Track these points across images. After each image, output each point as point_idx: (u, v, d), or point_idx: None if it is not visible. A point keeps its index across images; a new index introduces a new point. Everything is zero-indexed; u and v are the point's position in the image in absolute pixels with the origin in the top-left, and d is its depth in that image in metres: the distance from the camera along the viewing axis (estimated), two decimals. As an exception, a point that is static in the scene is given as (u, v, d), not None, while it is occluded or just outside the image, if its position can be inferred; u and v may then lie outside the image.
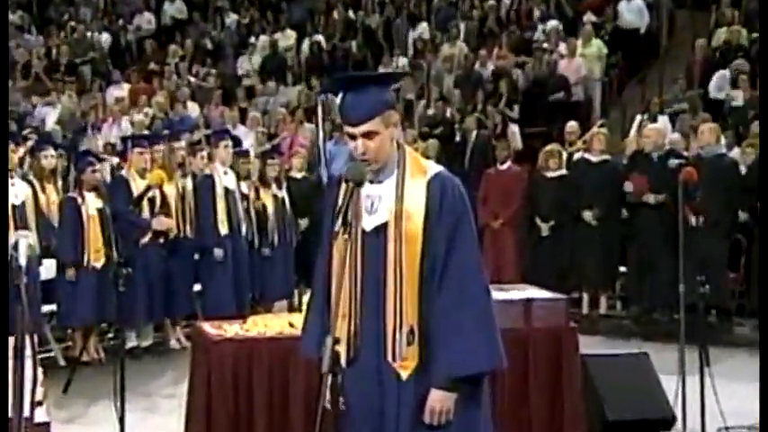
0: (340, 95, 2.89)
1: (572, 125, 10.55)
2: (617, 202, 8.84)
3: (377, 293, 2.83)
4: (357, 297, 2.86)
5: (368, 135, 2.84)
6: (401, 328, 2.81)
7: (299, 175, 9.75)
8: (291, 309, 8.94)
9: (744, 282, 8.64)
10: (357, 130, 2.84)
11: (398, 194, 2.86)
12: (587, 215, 8.87)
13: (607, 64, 13.44)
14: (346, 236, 2.72)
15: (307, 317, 3.04)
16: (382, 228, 2.86)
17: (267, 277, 8.59)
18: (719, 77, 11.78)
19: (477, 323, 2.80)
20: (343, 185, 2.80)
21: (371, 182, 2.89)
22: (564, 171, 9.17)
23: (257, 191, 8.68)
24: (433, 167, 2.94)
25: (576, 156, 9.62)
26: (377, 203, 2.89)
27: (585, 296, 9.10)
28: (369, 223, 2.88)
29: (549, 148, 9.36)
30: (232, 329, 4.57)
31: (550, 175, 9.12)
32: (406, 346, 2.81)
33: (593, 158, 9.09)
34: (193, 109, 14.14)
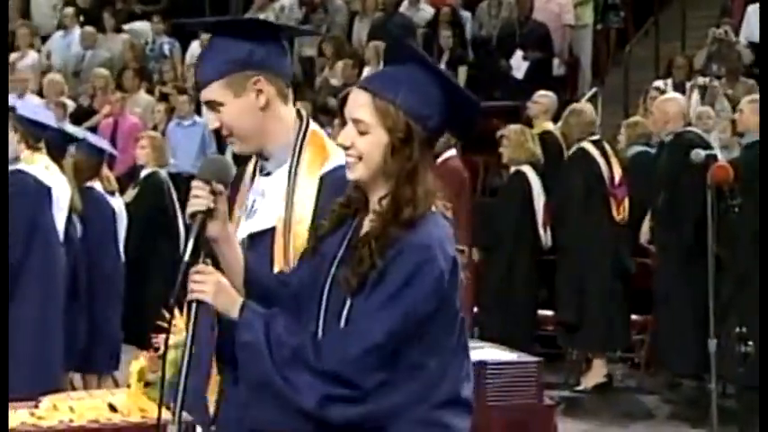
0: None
1: (547, 96, 10.44)
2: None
3: None
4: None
5: (210, 105, 3.11)
6: None
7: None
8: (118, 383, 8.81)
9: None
10: (202, 96, 3.14)
11: (289, 193, 3.05)
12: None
13: (602, 4, 13.70)
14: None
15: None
16: (266, 236, 3.06)
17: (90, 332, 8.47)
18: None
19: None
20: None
21: (257, 173, 3.12)
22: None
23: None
24: (337, 157, 3.03)
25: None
26: (258, 202, 3.09)
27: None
28: (243, 230, 3.08)
29: (511, 129, 9.44)
30: (16, 418, 4.47)
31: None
32: None
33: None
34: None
